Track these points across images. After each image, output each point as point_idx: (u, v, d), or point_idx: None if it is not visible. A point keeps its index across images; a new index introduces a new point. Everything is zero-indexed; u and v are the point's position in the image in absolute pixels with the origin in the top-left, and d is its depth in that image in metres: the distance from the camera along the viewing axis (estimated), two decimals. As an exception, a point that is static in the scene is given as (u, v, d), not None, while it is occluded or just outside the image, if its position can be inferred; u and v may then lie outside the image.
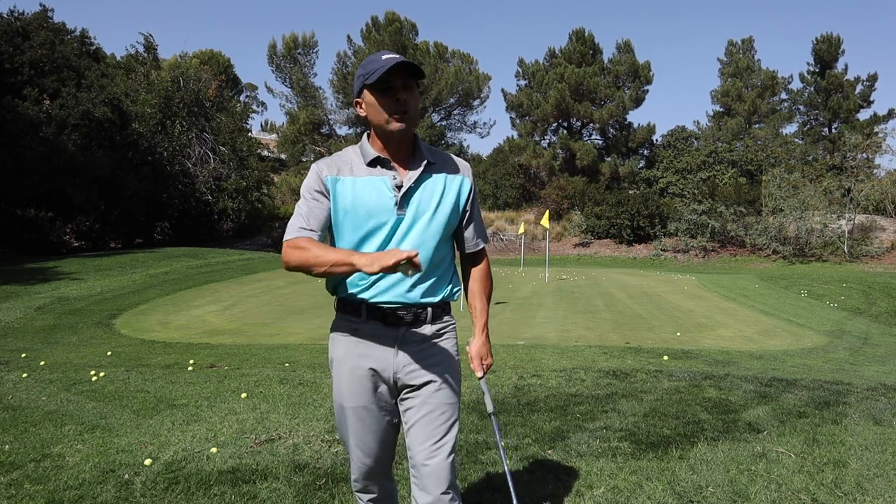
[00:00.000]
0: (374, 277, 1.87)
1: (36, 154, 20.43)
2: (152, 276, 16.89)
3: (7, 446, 3.65)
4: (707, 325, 10.06)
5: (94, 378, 5.57)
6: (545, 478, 3.10)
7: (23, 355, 7.16)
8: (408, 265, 1.58)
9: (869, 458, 3.37)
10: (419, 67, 1.83)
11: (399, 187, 1.87)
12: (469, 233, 2.06)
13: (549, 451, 3.49)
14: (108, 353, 7.32)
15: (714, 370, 5.98)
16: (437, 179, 1.93)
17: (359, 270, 1.67)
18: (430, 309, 1.93)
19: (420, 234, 1.88)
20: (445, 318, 1.99)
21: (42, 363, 6.56)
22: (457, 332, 2.05)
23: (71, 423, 4.12)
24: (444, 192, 1.93)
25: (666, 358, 6.69)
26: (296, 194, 37.24)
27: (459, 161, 2.03)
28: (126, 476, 3.15)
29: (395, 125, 1.83)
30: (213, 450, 3.50)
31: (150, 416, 4.31)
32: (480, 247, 2.10)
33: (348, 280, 1.90)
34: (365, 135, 1.96)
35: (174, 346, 7.95)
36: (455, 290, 2.02)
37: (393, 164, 1.90)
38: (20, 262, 18.68)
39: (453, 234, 2.03)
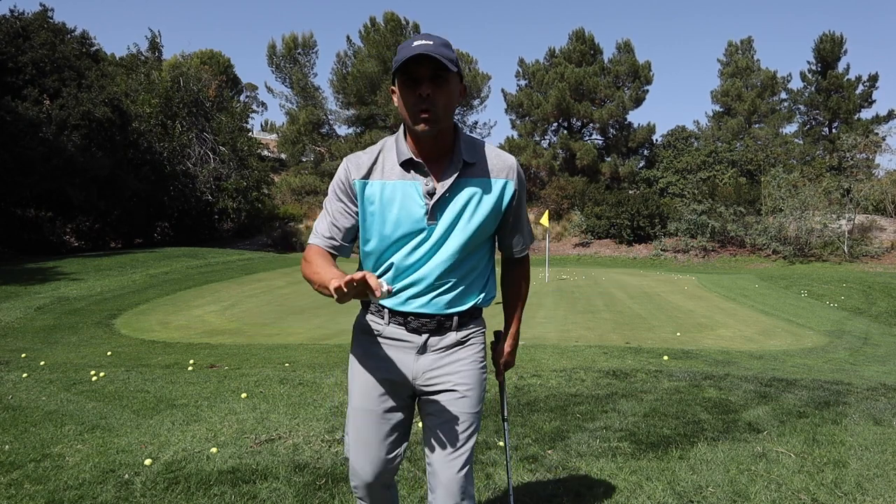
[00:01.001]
0: (398, 287, 1.80)
1: (36, 154, 20.44)
2: (152, 276, 16.89)
3: (7, 446, 3.65)
4: (707, 325, 10.06)
5: (94, 378, 5.57)
6: (545, 478, 3.10)
7: (23, 355, 7.15)
8: (367, 289, 1.41)
9: (869, 458, 3.37)
10: (444, 58, 1.60)
11: (431, 194, 1.73)
12: (512, 239, 1.93)
13: (549, 451, 3.49)
14: (108, 353, 7.32)
15: (714, 370, 5.98)
16: (475, 184, 1.76)
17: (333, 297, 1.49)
18: (456, 317, 1.83)
19: (452, 245, 1.76)
20: (472, 325, 1.89)
21: (42, 363, 6.56)
22: (485, 336, 1.96)
23: (71, 423, 4.12)
24: (482, 199, 1.77)
25: (666, 358, 6.69)
26: (296, 194, 37.25)
27: (503, 159, 1.81)
28: (126, 476, 3.15)
29: (419, 126, 1.66)
30: (213, 450, 3.50)
31: (150, 416, 4.31)
32: (525, 253, 2.00)
33: None
34: (402, 126, 1.80)
35: (174, 346, 7.95)
36: (489, 296, 1.91)
37: (427, 166, 1.74)
38: (20, 262, 18.68)
39: (492, 236, 1.90)
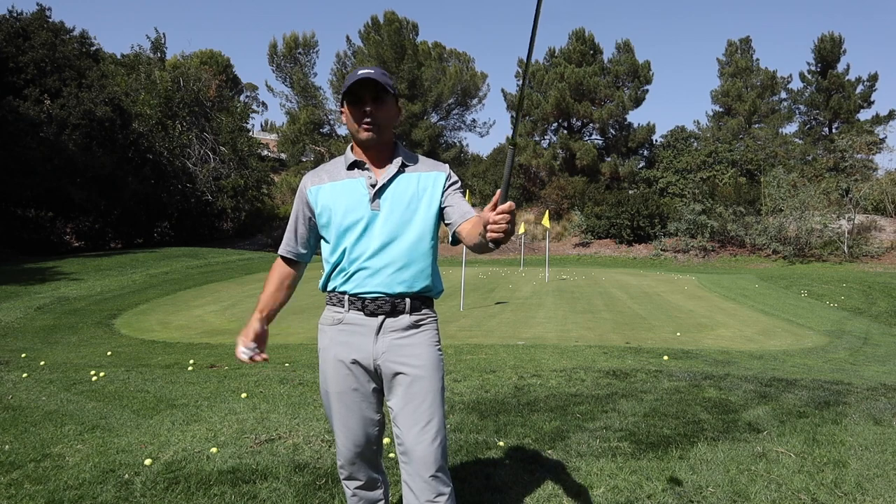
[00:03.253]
0: (352, 270, 2.02)
1: (36, 154, 20.43)
2: (152, 276, 16.89)
3: (7, 446, 3.65)
4: (707, 325, 10.06)
5: (94, 378, 5.57)
6: (545, 478, 3.10)
7: (23, 355, 7.15)
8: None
9: (869, 458, 3.38)
10: (384, 84, 1.96)
11: (374, 185, 2.03)
12: (454, 212, 2.01)
13: (549, 451, 3.49)
14: (108, 353, 7.32)
15: (714, 370, 5.98)
16: (412, 177, 2.07)
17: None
18: (407, 299, 2.03)
19: (394, 226, 2.01)
20: (424, 311, 2.08)
21: (42, 363, 6.56)
22: (438, 325, 2.14)
23: (71, 423, 4.12)
24: (418, 187, 2.06)
25: (666, 358, 6.69)
26: (296, 194, 37.32)
27: (436, 162, 2.15)
28: (126, 476, 3.15)
29: (363, 134, 2.00)
30: (213, 450, 3.50)
31: (150, 416, 4.31)
32: (469, 216, 2.00)
33: (332, 275, 2.08)
34: (349, 146, 2.14)
35: (174, 346, 7.95)
36: (437, 289, 2.12)
37: (369, 165, 2.06)
38: (20, 262, 18.67)
39: (435, 229, 2.06)
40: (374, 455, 2.13)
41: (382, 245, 2.00)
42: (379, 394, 2.09)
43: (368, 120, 1.98)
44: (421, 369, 2.01)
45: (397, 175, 2.05)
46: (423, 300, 2.07)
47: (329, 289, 2.10)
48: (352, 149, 2.11)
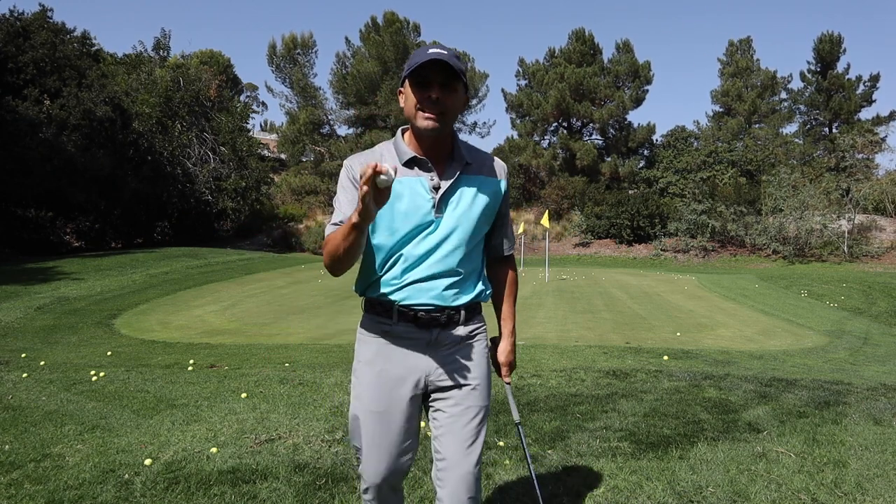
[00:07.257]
0: (406, 279, 1.82)
1: (36, 154, 20.43)
2: (152, 276, 16.89)
3: (7, 446, 3.65)
4: (707, 325, 10.06)
5: (94, 378, 5.57)
6: (545, 478, 3.10)
7: (23, 355, 7.15)
8: (379, 180, 1.49)
9: (869, 458, 3.38)
10: (456, 68, 1.73)
11: (437, 189, 1.81)
12: (501, 237, 2.02)
13: (549, 451, 3.49)
14: (108, 353, 7.32)
15: (714, 370, 5.98)
16: (475, 181, 1.87)
17: (361, 224, 1.57)
18: (463, 311, 1.88)
19: (458, 236, 1.83)
20: (477, 320, 1.95)
21: (42, 363, 6.56)
22: (487, 333, 2.02)
23: (71, 423, 4.12)
24: (482, 194, 1.88)
25: (666, 358, 6.69)
26: (296, 194, 37.30)
27: (498, 162, 1.97)
28: (126, 476, 3.15)
29: (423, 122, 1.75)
30: (213, 450, 3.50)
31: (150, 416, 4.31)
32: (511, 251, 2.07)
33: (378, 281, 1.86)
34: (399, 131, 1.90)
35: (174, 346, 7.95)
36: (487, 291, 1.97)
37: (430, 164, 1.83)
38: (20, 262, 18.67)
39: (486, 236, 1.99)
40: (400, 476, 1.95)
41: (443, 255, 1.82)
42: (419, 411, 1.94)
43: (434, 109, 1.74)
44: (473, 383, 1.89)
45: (461, 178, 1.85)
46: (476, 308, 1.94)
47: (372, 295, 1.88)
48: (402, 135, 1.88)
